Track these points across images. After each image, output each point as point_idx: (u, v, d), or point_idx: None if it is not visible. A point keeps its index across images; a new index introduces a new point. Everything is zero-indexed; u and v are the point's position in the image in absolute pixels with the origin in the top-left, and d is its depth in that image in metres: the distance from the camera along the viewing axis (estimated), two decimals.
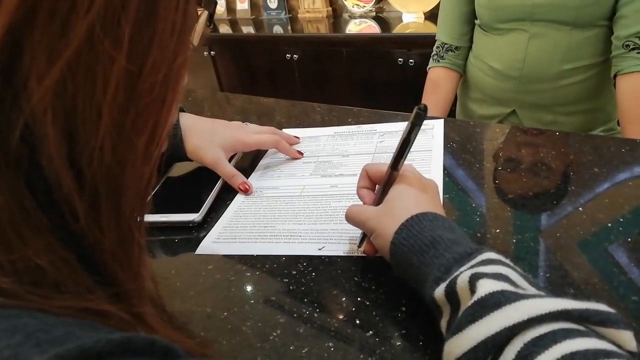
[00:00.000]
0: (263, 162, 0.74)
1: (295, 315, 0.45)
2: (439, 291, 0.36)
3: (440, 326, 0.37)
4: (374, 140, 0.74)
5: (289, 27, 2.44)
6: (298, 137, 0.77)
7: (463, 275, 0.35)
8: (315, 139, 0.78)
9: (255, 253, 0.54)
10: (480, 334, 0.31)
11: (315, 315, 0.45)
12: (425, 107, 0.42)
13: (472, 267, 0.36)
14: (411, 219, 0.42)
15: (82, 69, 0.21)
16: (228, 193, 0.66)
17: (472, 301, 0.32)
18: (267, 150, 0.76)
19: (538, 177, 0.61)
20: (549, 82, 1.05)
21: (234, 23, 2.74)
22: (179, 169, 0.72)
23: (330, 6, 2.49)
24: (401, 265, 0.42)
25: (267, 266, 0.52)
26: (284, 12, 2.62)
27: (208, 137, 0.67)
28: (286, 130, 0.79)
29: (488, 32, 1.11)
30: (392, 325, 0.43)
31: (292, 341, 0.43)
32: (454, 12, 1.16)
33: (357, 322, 0.44)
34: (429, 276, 0.38)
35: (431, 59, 1.23)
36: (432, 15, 2.06)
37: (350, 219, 0.50)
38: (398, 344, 0.41)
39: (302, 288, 0.49)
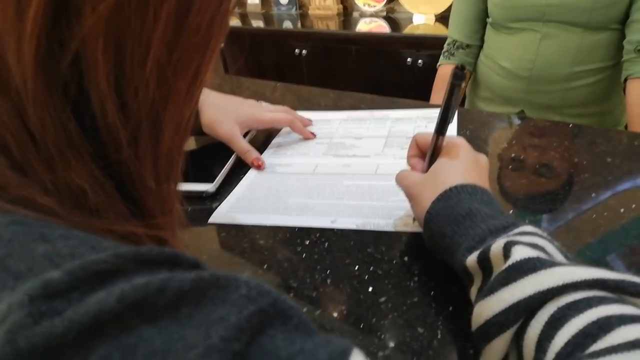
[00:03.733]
0: (276, 140, 0.74)
1: (308, 280, 0.46)
2: (472, 259, 0.37)
3: (470, 293, 0.38)
4: (386, 125, 0.74)
5: (299, 23, 2.44)
6: (310, 120, 0.78)
7: (498, 243, 0.35)
8: (327, 122, 0.78)
9: (268, 223, 0.55)
10: (513, 297, 0.31)
11: (328, 281, 0.46)
12: (463, 67, 0.42)
13: (508, 236, 0.36)
14: (449, 190, 0.42)
15: (135, 1, 0.22)
16: (241, 168, 0.67)
17: (506, 265, 0.33)
18: (280, 130, 0.77)
19: (550, 164, 0.61)
20: (558, 84, 1.06)
21: (244, 17, 2.75)
22: (194, 142, 0.72)
23: (341, 4, 2.50)
24: (434, 235, 0.43)
25: (279, 236, 0.53)
26: (294, 8, 2.63)
27: (224, 112, 0.68)
28: (299, 113, 0.80)
29: (500, 31, 1.12)
30: (404, 293, 0.43)
31: (305, 304, 0.43)
32: (467, 10, 1.17)
33: (370, 289, 0.44)
34: (461, 245, 0.39)
35: (442, 55, 1.24)
36: (442, 18, 2.07)
37: (398, 181, 0.50)
38: (410, 310, 0.42)
39: (315, 257, 0.49)
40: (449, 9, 1.22)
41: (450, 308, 0.41)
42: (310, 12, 2.56)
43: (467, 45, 1.19)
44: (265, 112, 0.71)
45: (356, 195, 0.58)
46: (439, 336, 0.39)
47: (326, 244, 0.51)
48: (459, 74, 0.42)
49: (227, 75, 1.51)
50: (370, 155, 0.66)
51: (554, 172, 0.60)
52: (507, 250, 0.34)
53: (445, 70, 1.23)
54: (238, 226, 0.55)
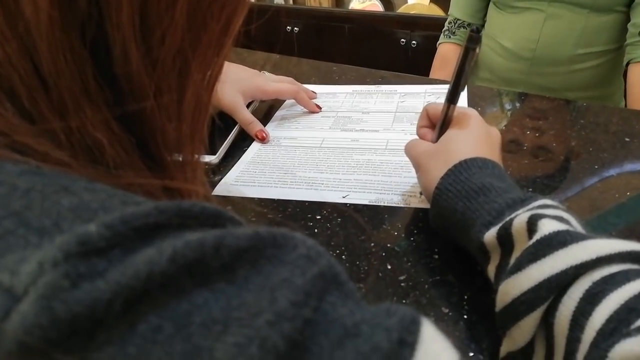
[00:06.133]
0: (279, 113, 0.71)
1: None
2: (490, 234, 0.35)
3: (487, 272, 0.36)
4: (394, 99, 0.72)
5: (291, 0, 2.38)
6: (315, 92, 0.75)
7: (521, 217, 0.33)
8: (333, 96, 0.75)
9: (275, 197, 0.52)
10: (543, 273, 0.29)
11: (344, 257, 0.44)
12: (479, 29, 0.40)
13: (529, 210, 0.34)
14: (459, 165, 0.40)
15: None
16: (243, 140, 0.64)
17: (534, 240, 0.31)
18: (282, 102, 0.73)
19: (560, 140, 0.60)
20: (560, 66, 1.04)
21: None
22: None
23: None
24: (442, 212, 0.40)
25: (289, 210, 0.50)
26: None
27: (227, 80, 0.64)
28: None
29: (503, 10, 1.09)
30: (425, 271, 0.42)
31: None
32: None
33: (389, 267, 0.42)
34: (476, 221, 0.37)
35: (442, 34, 1.21)
36: None
37: (406, 150, 0.48)
38: (432, 289, 0.40)
39: (328, 232, 0.47)
40: None
41: (475, 287, 0.39)
42: None
43: (469, 24, 1.16)
44: (270, 83, 0.67)
45: (367, 170, 0.55)
46: (465, 316, 0.37)
47: (339, 220, 0.48)
48: (474, 37, 0.40)
49: None
50: (379, 130, 0.64)
51: (562, 147, 0.58)
52: (532, 224, 0.32)
53: (445, 49, 1.21)
54: (244, 199, 0.53)
